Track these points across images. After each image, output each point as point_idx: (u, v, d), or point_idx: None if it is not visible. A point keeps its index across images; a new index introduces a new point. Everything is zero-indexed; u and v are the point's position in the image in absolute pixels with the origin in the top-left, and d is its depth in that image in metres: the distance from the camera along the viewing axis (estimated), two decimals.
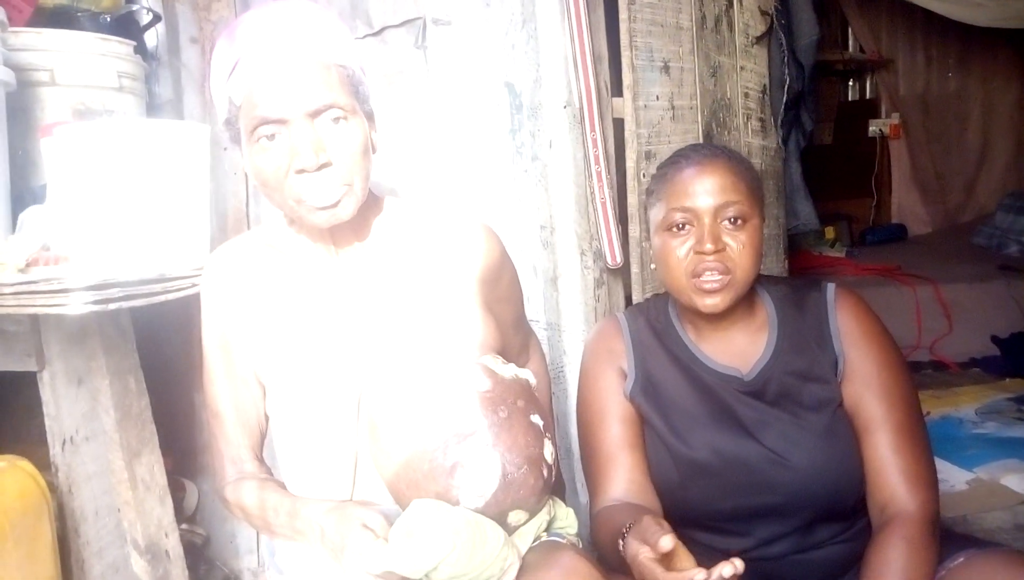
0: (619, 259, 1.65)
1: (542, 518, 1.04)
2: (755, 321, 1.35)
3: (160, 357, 1.69)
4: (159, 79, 1.80)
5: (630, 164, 1.71)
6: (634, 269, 1.73)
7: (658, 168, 1.39)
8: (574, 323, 1.70)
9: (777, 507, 1.24)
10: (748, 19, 2.22)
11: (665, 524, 1.02)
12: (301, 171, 1.00)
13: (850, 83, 4.67)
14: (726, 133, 2.11)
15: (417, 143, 1.76)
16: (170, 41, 1.83)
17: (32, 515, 1.19)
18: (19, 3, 1.52)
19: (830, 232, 4.40)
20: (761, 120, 2.32)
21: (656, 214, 1.32)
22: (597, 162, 1.61)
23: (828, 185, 3.94)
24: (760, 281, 1.33)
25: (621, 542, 1.07)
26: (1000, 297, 3.01)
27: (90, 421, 1.33)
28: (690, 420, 1.31)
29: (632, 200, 1.72)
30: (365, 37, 1.77)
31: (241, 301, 1.16)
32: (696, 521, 1.30)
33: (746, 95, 2.24)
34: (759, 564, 1.26)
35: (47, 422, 1.30)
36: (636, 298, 1.74)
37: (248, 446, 1.20)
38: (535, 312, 1.70)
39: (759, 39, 2.27)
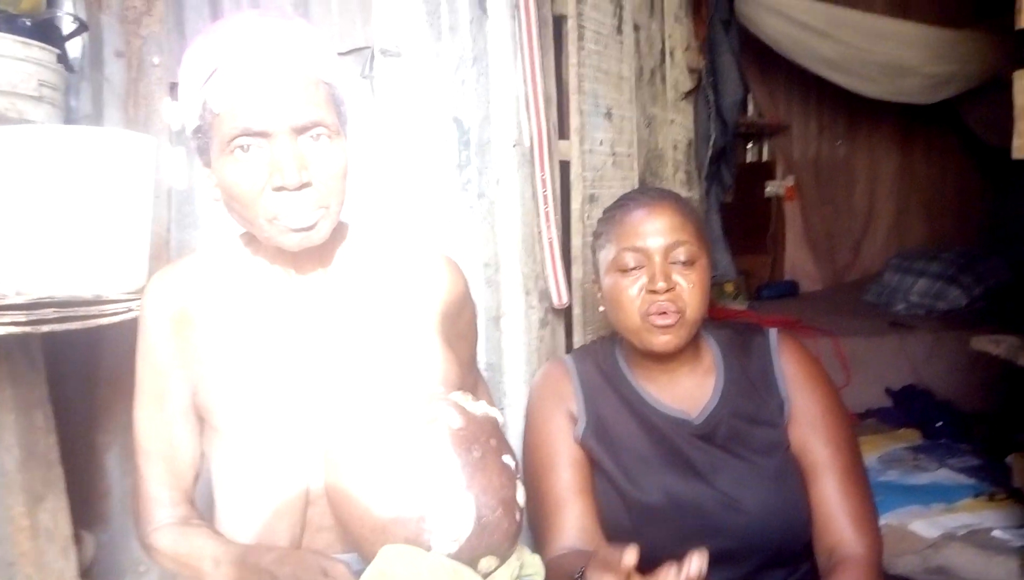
0: (565, 299, 1.64)
1: (514, 564, 0.99)
2: (702, 364, 1.36)
3: (58, 394, 1.53)
4: (78, 92, 1.67)
5: (575, 205, 1.72)
6: (576, 310, 1.73)
7: (606, 210, 1.40)
8: (516, 364, 1.66)
9: (729, 552, 1.24)
10: (678, 75, 2.30)
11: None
12: (280, 189, 0.94)
13: (749, 145, 4.93)
14: (658, 182, 2.16)
15: (360, 174, 1.70)
16: (93, 53, 1.71)
17: None
18: None
19: (730, 286, 4.58)
20: (687, 172, 2.40)
21: (606, 255, 1.32)
22: (546, 202, 1.61)
23: (729, 241, 4.12)
24: (704, 325, 1.35)
25: None
26: (893, 351, 3.20)
27: None
28: (642, 464, 1.29)
29: (576, 241, 1.72)
30: None
31: (187, 326, 1.06)
32: (648, 568, 1.28)
33: (675, 147, 2.31)
34: None
35: None
36: (578, 340, 1.73)
37: (180, 487, 1.09)
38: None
39: (687, 95, 2.36)
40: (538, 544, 1.30)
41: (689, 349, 1.33)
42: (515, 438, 1.50)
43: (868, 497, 1.29)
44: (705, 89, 2.33)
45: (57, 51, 1.50)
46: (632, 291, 1.28)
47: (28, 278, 0.98)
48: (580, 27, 1.73)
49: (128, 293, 1.06)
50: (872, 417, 3.07)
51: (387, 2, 1.61)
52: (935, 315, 3.52)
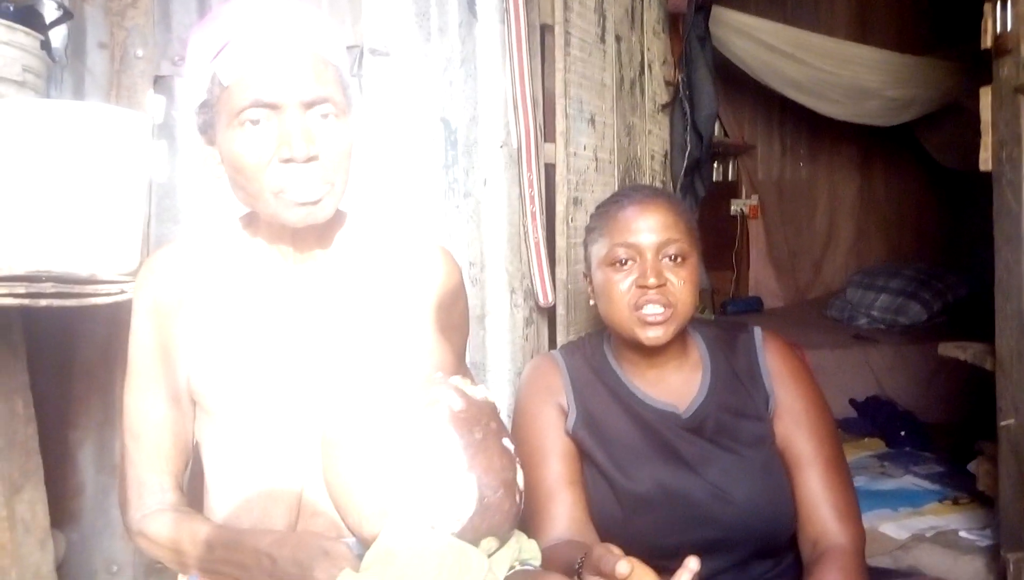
0: (551, 298, 1.65)
1: (514, 547, 0.99)
2: (689, 360, 1.39)
3: (31, 389, 1.49)
4: (60, 82, 1.65)
5: (560, 208, 1.74)
6: (560, 310, 1.74)
7: (599, 206, 1.42)
8: (500, 363, 1.67)
9: (718, 542, 1.26)
10: (656, 87, 2.36)
11: (616, 549, 1.00)
12: (288, 160, 0.94)
13: (716, 164, 5.04)
14: None
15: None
16: (75, 43, 1.68)
17: None
18: None
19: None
20: (663, 182, 2.44)
21: (598, 250, 1.35)
22: (532, 202, 1.63)
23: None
24: (691, 323, 1.38)
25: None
26: (857, 363, 3.28)
27: None
28: (633, 455, 1.31)
29: (561, 243, 1.74)
30: None
31: (181, 308, 1.05)
32: (639, 556, 1.29)
33: (652, 157, 2.35)
34: None
35: None
36: (562, 340, 1.75)
37: (171, 473, 1.07)
38: None
39: (664, 107, 2.41)
40: (529, 535, 1.31)
41: (677, 344, 1.36)
42: None
43: (851, 489, 1.32)
44: (682, 101, 2.39)
45: (41, 37, 1.48)
46: (623, 286, 1.30)
47: (23, 255, 0.96)
48: (567, 33, 1.76)
49: (122, 274, 1.04)
50: (838, 427, 3.13)
51: (377, 2, 1.62)
52: (897, 329, 3.62)
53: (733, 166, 5.00)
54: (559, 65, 1.74)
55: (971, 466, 1.99)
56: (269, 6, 0.97)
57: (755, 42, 3.46)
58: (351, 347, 1.06)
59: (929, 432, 2.95)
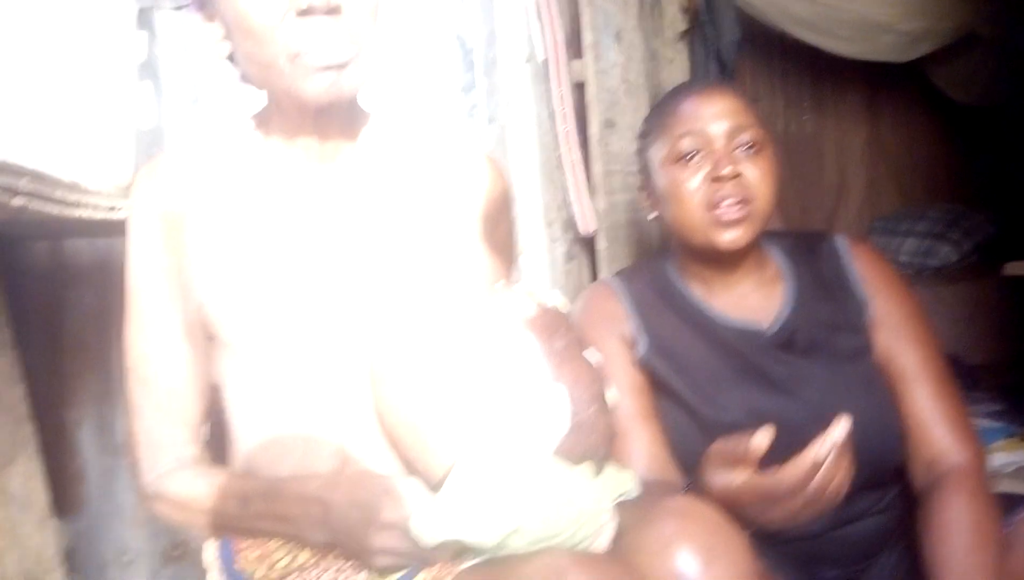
0: (593, 226, 1.48)
1: (615, 475, 0.83)
2: (766, 272, 1.23)
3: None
4: None
5: (593, 130, 1.57)
6: (601, 245, 1.57)
7: (655, 105, 1.26)
8: None
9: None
10: (674, 12, 2.19)
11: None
12: (306, 12, 0.77)
13: None
14: None
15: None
16: None
17: None
18: None
19: None
20: None
21: (659, 150, 1.19)
22: (565, 120, 1.46)
23: None
24: (763, 234, 1.22)
25: None
26: None
27: None
28: (716, 380, 1.15)
29: (596, 169, 1.57)
30: None
31: (194, 219, 0.88)
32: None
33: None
34: (796, 545, 1.12)
35: None
36: (605, 276, 1.58)
37: (188, 423, 0.90)
38: None
39: (683, 34, 2.25)
40: None
41: (753, 256, 1.20)
42: None
43: (963, 403, 1.16)
44: (703, 26, 2.22)
45: None
46: (693, 182, 1.14)
47: None
48: None
49: (113, 188, 0.86)
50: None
51: None
52: (927, 272, 3.46)
53: None
54: None
55: None
56: None
57: None
58: (394, 258, 0.89)
59: (977, 373, 2.80)
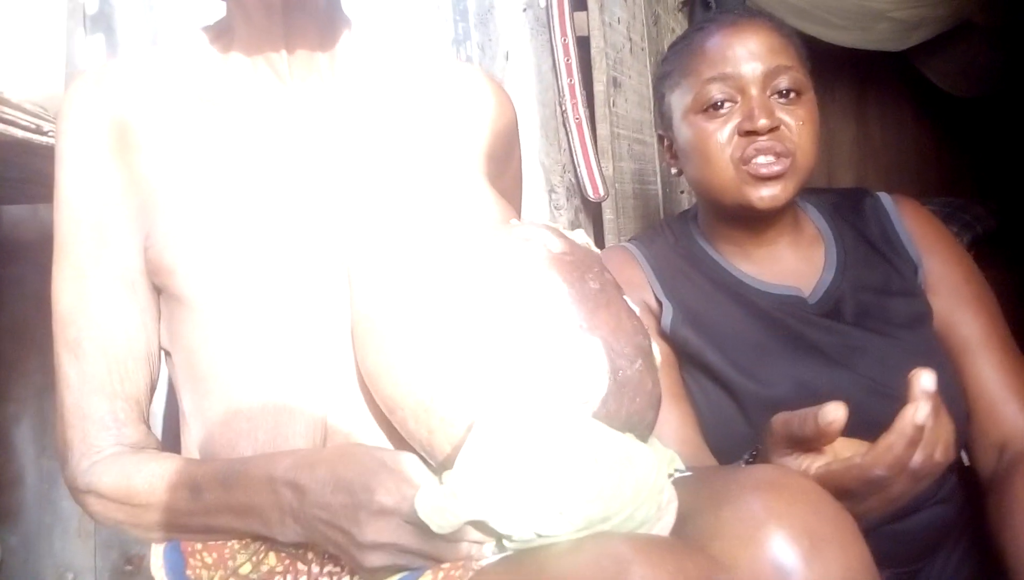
0: (602, 191, 1.32)
1: (663, 450, 0.66)
2: (804, 234, 1.09)
3: None
4: None
5: (599, 88, 1.41)
6: (608, 216, 1.42)
7: (675, 43, 1.11)
8: None
9: None
10: None
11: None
12: None
13: None
14: None
15: None
16: None
17: None
18: None
19: None
20: None
21: (681, 97, 1.04)
22: (570, 74, 1.30)
23: None
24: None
25: None
26: None
27: None
28: (756, 352, 0.99)
29: (603, 131, 1.42)
30: None
31: (132, 147, 0.70)
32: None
33: None
34: None
35: None
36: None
37: (129, 397, 0.72)
38: None
39: (683, 4, 2.13)
40: None
41: (789, 215, 1.06)
42: None
43: None
44: None
45: None
46: (722, 135, 0.99)
47: None
48: None
49: (36, 100, 0.69)
50: None
51: None
52: None
53: None
54: None
55: None
56: None
57: None
58: (384, 193, 0.73)
59: None
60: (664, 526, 0.54)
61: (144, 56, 0.74)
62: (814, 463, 0.69)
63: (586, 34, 1.43)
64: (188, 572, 0.67)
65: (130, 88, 0.71)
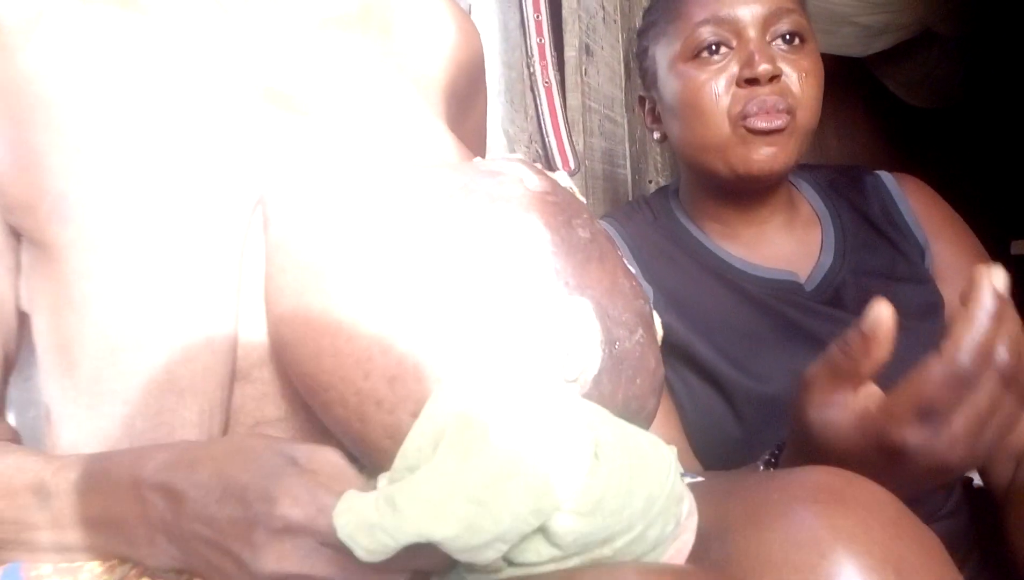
0: (572, 164, 1.18)
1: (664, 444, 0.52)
2: (799, 215, 0.98)
3: None
4: None
5: (570, 54, 1.27)
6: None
7: None
8: None
9: None
10: None
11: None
12: None
13: None
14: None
15: None
16: None
17: None
18: None
19: None
20: None
21: (668, 45, 0.92)
22: (539, 32, 1.16)
23: None
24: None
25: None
26: None
27: None
28: (750, 343, 0.87)
29: (573, 102, 1.28)
30: None
31: (32, 45, 0.54)
32: None
33: None
34: None
35: None
36: None
37: None
38: None
39: None
40: None
41: (782, 192, 0.95)
42: None
43: None
44: None
45: None
46: (717, 86, 0.87)
47: None
48: None
49: None
50: None
51: None
52: None
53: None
54: None
55: None
56: None
57: None
58: (318, 125, 0.57)
59: None
60: (681, 548, 0.40)
61: None
62: (874, 394, 0.54)
63: None
64: None
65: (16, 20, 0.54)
